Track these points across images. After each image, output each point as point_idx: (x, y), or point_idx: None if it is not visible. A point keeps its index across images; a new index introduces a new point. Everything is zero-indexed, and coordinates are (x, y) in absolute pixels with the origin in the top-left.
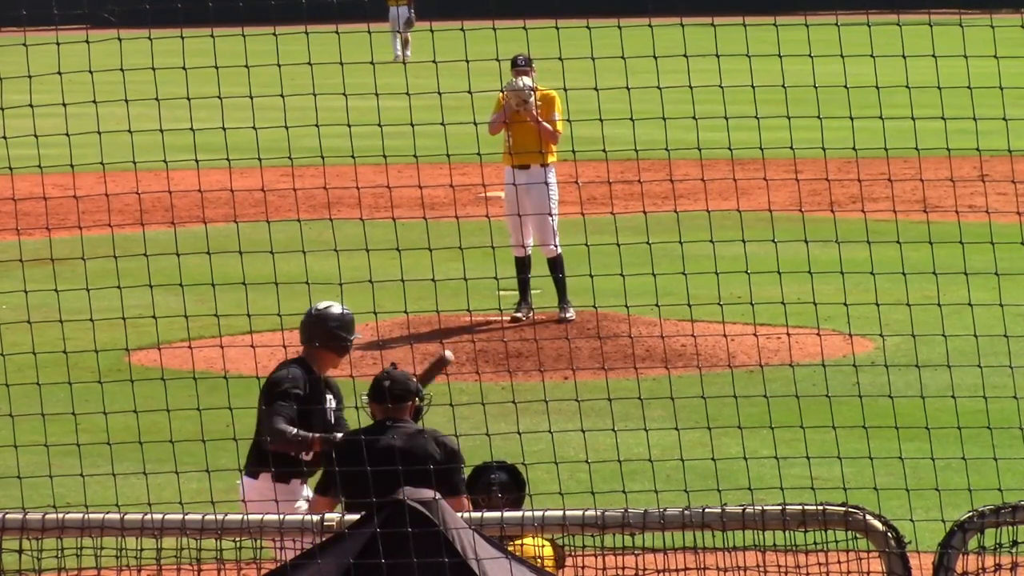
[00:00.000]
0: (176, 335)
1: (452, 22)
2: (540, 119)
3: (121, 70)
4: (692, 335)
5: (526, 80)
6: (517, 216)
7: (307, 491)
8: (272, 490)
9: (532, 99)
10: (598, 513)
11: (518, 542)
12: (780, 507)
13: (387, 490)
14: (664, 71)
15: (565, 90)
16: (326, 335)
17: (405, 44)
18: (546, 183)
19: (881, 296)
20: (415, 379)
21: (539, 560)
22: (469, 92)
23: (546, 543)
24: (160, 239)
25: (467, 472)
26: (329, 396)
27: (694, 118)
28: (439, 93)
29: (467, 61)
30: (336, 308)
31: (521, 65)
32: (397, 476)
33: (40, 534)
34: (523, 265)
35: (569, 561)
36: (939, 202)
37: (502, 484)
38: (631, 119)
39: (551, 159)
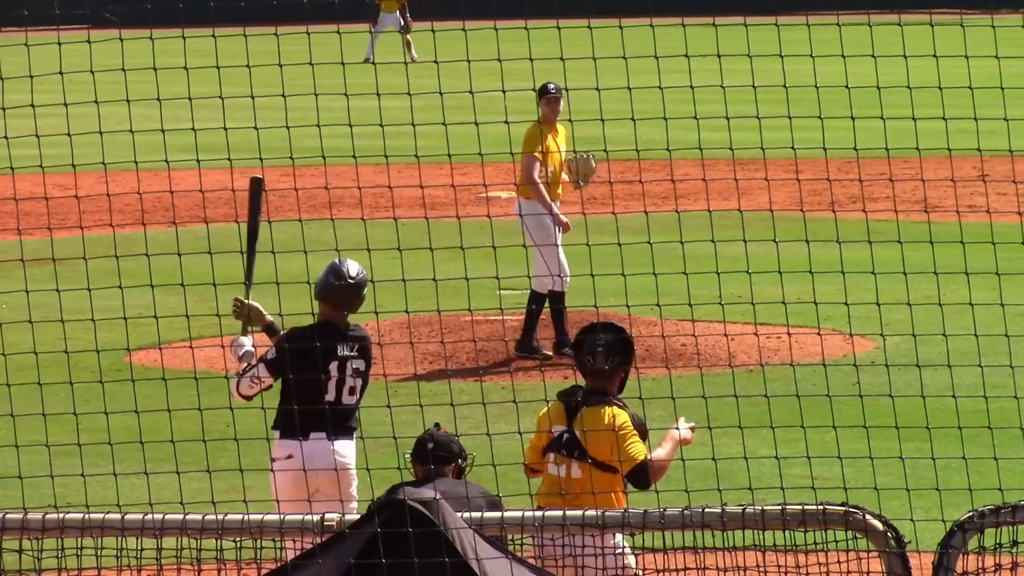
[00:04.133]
0: (176, 335)
1: (453, 22)
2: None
3: (123, 70)
4: (692, 335)
5: (590, 162)
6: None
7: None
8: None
9: (583, 181)
10: (598, 513)
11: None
12: (780, 507)
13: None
14: (665, 71)
15: (566, 90)
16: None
17: (408, 46)
18: (520, 215)
19: (881, 296)
20: (458, 440)
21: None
22: (470, 92)
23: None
24: (161, 239)
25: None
26: (341, 345)
27: (695, 118)
28: (440, 93)
29: (468, 61)
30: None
31: (553, 92)
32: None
33: (40, 534)
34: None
35: (569, 561)
36: (939, 202)
37: (608, 345)
38: (632, 119)
39: (527, 193)
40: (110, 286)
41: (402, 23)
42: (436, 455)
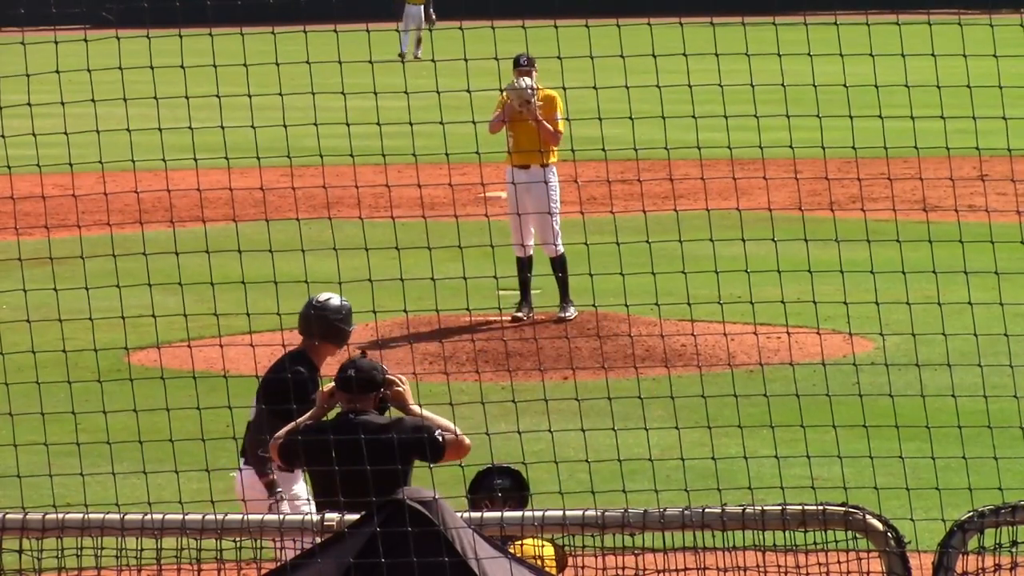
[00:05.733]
0: (176, 335)
1: (451, 22)
2: (541, 119)
3: (120, 69)
4: (692, 335)
5: (528, 80)
6: (517, 216)
7: (303, 484)
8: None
9: (534, 99)
10: (598, 513)
11: (518, 543)
12: (780, 507)
13: (361, 486)
14: (663, 71)
15: (564, 89)
16: (327, 327)
17: (418, 43)
18: (546, 183)
19: (881, 296)
20: (381, 368)
21: (539, 560)
22: (468, 92)
23: (546, 543)
24: (159, 239)
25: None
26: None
27: (694, 117)
28: (438, 92)
29: (465, 60)
30: (335, 299)
31: (523, 64)
32: (366, 475)
33: (40, 534)
34: (524, 265)
35: (569, 561)
36: (939, 202)
37: (504, 490)
38: (631, 119)
39: (552, 159)
40: (108, 286)
41: (424, 17)
42: (358, 384)
